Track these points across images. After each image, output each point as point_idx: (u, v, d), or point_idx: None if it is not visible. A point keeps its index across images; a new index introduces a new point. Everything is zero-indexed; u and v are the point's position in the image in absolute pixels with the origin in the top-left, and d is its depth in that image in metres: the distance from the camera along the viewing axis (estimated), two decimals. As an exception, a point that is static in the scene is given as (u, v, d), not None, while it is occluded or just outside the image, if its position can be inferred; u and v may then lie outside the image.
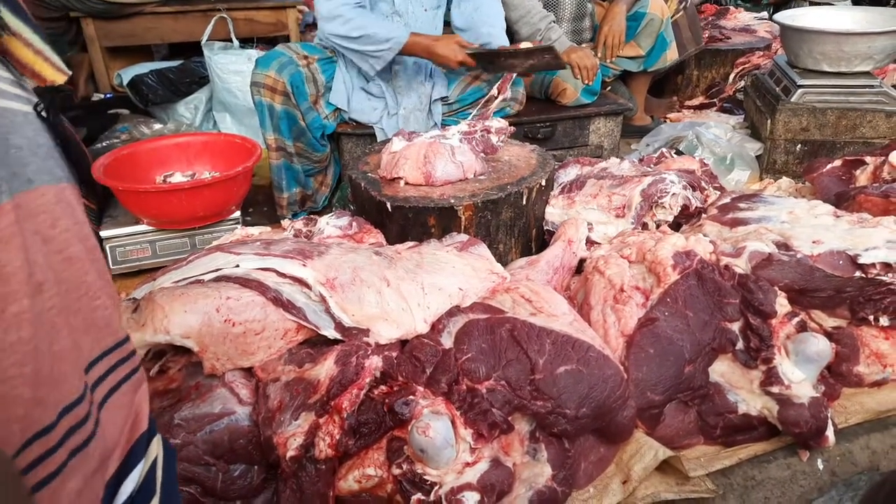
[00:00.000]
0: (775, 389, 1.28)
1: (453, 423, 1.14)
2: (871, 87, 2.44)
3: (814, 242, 1.45)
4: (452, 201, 1.71)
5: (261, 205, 2.34)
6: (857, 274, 1.39)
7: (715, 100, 3.45)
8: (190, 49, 3.13)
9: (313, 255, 1.28)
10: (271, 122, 2.09)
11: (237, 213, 2.03)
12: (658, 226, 1.78)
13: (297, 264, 1.24)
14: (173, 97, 2.80)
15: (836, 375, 1.45)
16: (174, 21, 3.37)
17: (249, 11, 3.48)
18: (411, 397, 1.16)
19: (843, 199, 1.86)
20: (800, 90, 2.45)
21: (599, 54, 2.71)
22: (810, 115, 2.43)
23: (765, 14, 4.46)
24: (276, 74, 2.05)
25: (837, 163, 2.09)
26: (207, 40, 2.79)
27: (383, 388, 1.21)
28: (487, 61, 2.07)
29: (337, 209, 1.95)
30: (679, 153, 2.55)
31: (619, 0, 2.70)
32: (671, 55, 2.86)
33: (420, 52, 2.06)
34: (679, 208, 1.76)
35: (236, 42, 2.83)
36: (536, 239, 1.91)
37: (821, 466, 1.29)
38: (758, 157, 2.59)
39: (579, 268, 1.71)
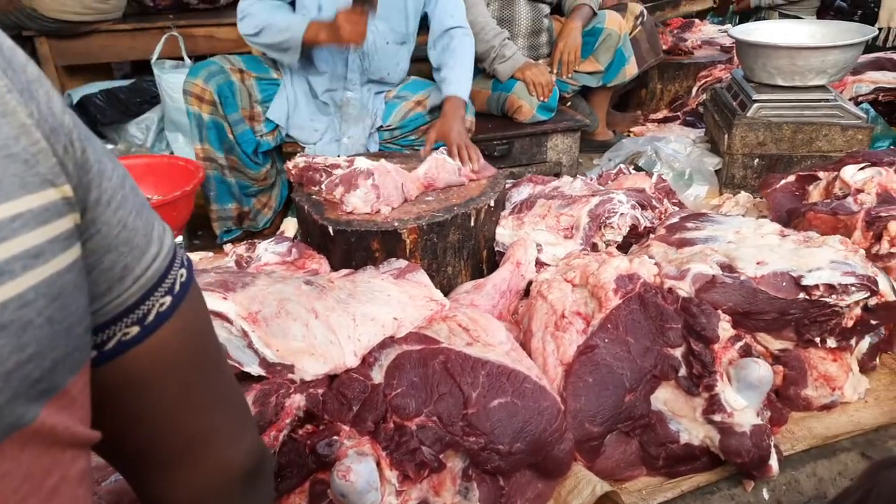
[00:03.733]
0: (717, 417, 1.25)
1: (378, 464, 1.09)
2: (826, 100, 2.44)
3: (758, 263, 1.42)
4: (396, 224, 1.66)
5: (211, 228, 2.27)
6: (801, 295, 1.36)
7: (678, 113, 3.44)
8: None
9: (237, 286, 1.23)
10: (200, 132, 2.05)
11: (179, 239, 1.96)
12: (607, 245, 1.75)
13: (218, 297, 1.18)
14: (123, 117, 2.74)
15: (784, 399, 1.42)
16: (131, 39, 3.31)
17: (210, 28, 3.43)
18: (335, 438, 1.10)
19: (794, 216, 1.84)
20: (755, 104, 2.45)
21: (555, 70, 2.69)
22: (766, 130, 2.43)
23: (730, 26, 4.49)
24: (204, 83, 2.00)
25: (791, 178, 2.08)
26: (159, 58, 2.72)
27: (308, 427, 1.16)
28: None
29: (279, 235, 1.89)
30: (638, 168, 2.54)
31: (574, 16, 2.69)
32: (630, 70, 2.84)
33: (324, 36, 1.94)
34: (627, 228, 1.73)
35: (188, 60, 2.77)
36: (487, 260, 1.87)
37: (766, 496, 1.26)
38: (717, 172, 2.57)
39: (529, 290, 1.68)
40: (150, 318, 0.48)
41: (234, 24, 3.41)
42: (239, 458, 0.57)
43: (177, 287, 0.50)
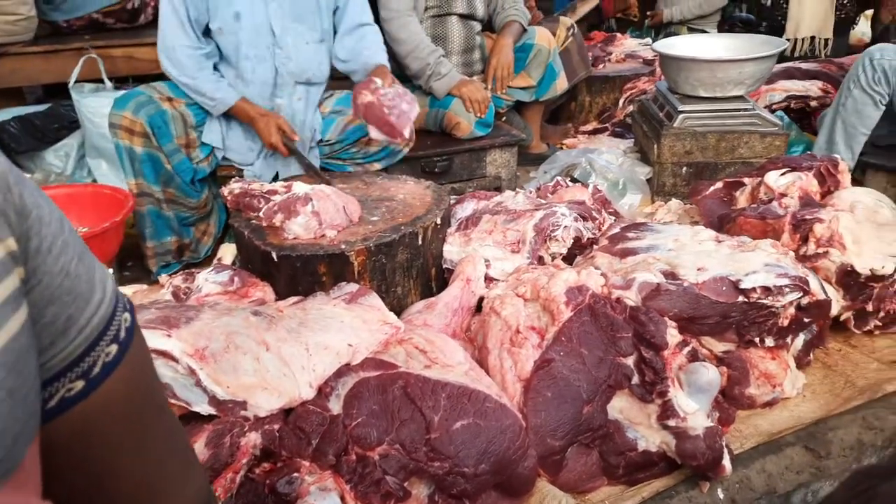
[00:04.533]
0: (672, 423, 1.28)
1: (342, 498, 1.05)
2: (746, 110, 2.58)
3: (698, 270, 1.47)
4: (343, 247, 1.63)
5: (141, 258, 2.16)
6: (740, 299, 1.42)
7: (607, 124, 3.56)
8: (68, 90, 2.91)
9: (180, 322, 1.17)
10: (132, 166, 1.95)
11: (108, 271, 1.85)
12: (553, 258, 1.77)
13: (161, 335, 1.12)
14: (40, 145, 2.57)
15: (730, 399, 1.47)
16: (44, 61, 3.12)
17: (129, 49, 3.28)
18: (295, 474, 1.06)
19: (726, 222, 1.92)
20: (681, 115, 2.56)
21: (489, 87, 2.73)
22: (692, 139, 2.54)
23: (648, 39, 4.69)
24: (133, 115, 1.91)
25: (719, 185, 2.18)
26: (77, 82, 2.58)
27: (266, 465, 1.11)
28: (298, 157, 2.07)
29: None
30: (574, 180, 2.60)
31: (505, 33, 2.74)
32: (561, 84, 2.92)
33: (244, 118, 2.04)
34: (572, 240, 1.76)
35: (108, 83, 2.64)
36: (436, 278, 1.86)
37: (721, 496, 1.29)
38: (648, 181, 2.67)
39: (480, 306, 1.68)
40: (96, 370, 0.45)
41: (155, 44, 3.32)
42: (187, 501, 0.55)
43: (122, 334, 0.47)
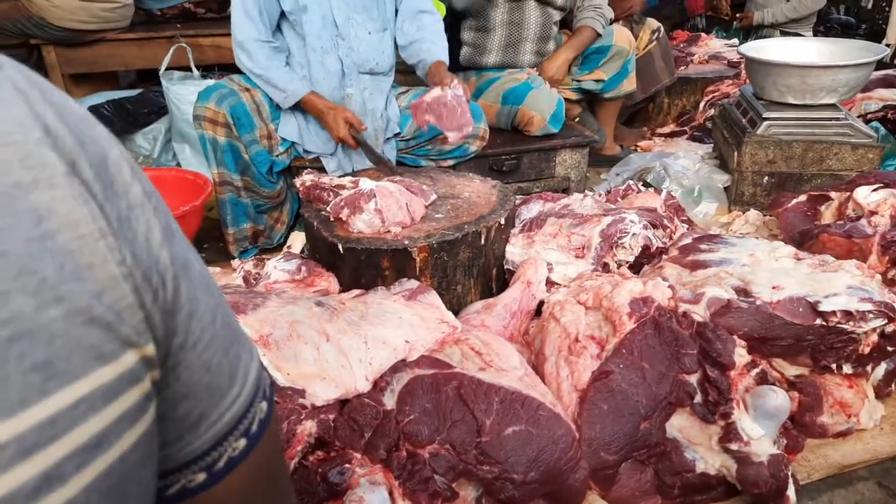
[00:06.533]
0: (734, 446, 1.23)
1: (391, 493, 1.07)
2: (837, 119, 2.43)
3: (774, 288, 1.40)
4: (406, 243, 1.64)
5: (217, 240, 2.26)
6: (818, 322, 1.35)
7: (686, 128, 3.43)
8: (159, 76, 3.08)
9: (247, 308, 1.21)
10: (215, 156, 2.04)
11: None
12: (619, 266, 1.73)
13: (229, 320, 1.16)
14: (130, 128, 2.73)
15: (800, 426, 1.40)
16: (138, 48, 3.31)
17: (217, 38, 3.42)
18: (347, 465, 1.08)
19: (807, 238, 1.82)
20: (765, 122, 2.43)
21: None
22: (777, 148, 2.42)
23: (735, 41, 4.49)
24: (216, 106, 2.00)
25: (802, 198, 2.06)
26: (168, 69, 2.72)
27: (319, 453, 1.14)
28: (366, 150, 2.07)
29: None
30: (647, 185, 2.52)
31: (569, 45, 2.67)
32: (628, 85, 2.83)
33: (313, 112, 2.08)
34: (640, 249, 1.71)
35: (196, 71, 2.76)
36: (496, 279, 1.85)
37: (783, 527, 1.23)
38: (726, 189, 2.56)
39: (539, 309, 1.66)
40: (220, 464, 0.43)
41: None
42: None
43: (254, 427, 0.45)
